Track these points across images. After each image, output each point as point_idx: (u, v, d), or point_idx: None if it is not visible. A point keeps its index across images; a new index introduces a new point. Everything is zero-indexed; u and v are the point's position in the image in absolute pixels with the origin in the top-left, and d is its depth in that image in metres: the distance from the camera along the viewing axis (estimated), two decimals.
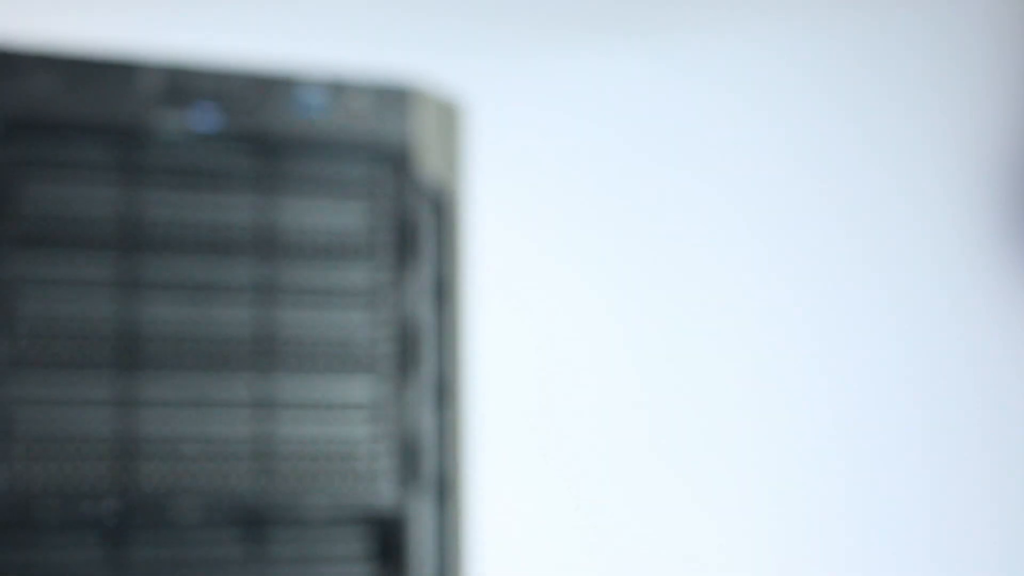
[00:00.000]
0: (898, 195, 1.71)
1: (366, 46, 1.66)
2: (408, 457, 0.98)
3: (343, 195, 0.99)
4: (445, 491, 0.99)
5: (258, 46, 1.58)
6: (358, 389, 0.98)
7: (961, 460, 1.70)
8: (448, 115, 1.04)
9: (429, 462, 0.98)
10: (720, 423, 1.64)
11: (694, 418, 1.64)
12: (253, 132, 0.96)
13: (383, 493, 0.97)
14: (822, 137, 1.70)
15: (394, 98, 1.01)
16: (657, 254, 1.64)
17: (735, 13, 1.73)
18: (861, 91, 1.71)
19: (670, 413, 1.63)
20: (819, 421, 1.67)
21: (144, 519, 0.92)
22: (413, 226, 1.00)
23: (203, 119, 0.95)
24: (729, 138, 1.68)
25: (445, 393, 1.00)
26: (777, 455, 1.65)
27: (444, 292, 1.01)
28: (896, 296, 1.72)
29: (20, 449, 0.89)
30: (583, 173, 1.63)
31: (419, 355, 0.99)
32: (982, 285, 1.73)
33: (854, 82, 1.71)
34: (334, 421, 0.97)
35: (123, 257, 0.93)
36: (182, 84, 0.95)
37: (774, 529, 1.63)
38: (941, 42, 1.76)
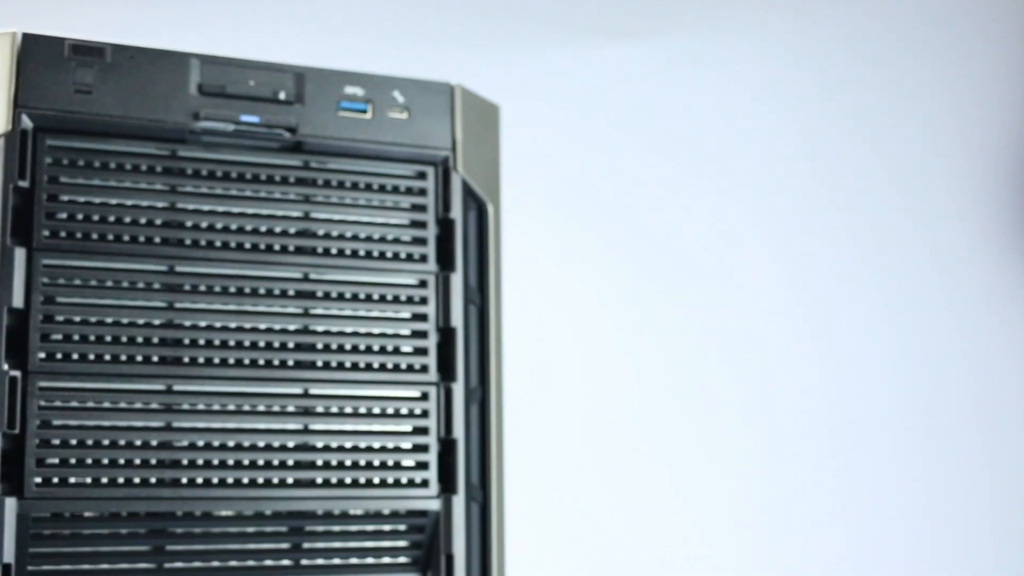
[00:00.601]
0: (900, 194, 1.71)
1: (364, 45, 1.66)
2: (448, 461, 0.98)
3: (386, 197, 0.99)
4: (481, 494, 0.99)
5: (269, 42, 1.57)
6: (400, 393, 0.98)
7: (961, 459, 1.71)
8: (487, 116, 1.05)
9: (467, 466, 0.99)
10: (732, 423, 1.65)
11: (713, 413, 1.65)
12: (296, 132, 0.96)
13: (424, 496, 0.97)
14: (826, 135, 1.70)
15: (437, 99, 1.01)
16: (661, 252, 1.65)
17: (743, 12, 1.73)
18: (865, 90, 1.71)
19: (688, 409, 1.64)
20: (820, 419, 1.67)
21: (188, 520, 0.91)
22: (455, 230, 1.00)
23: (247, 119, 0.95)
24: (733, 136, 1.68)
25: (482, 397, 1.00)
26: (777, 454, 1.66)
27: (482, 297, 1.02)
28: (896, 295, 1.72)
29: (64, 447, 0.88)
30: (586, 171, 1.64)
31: (458, 360, 0.99)
32: (983, 284, 1.73)
33: (858, 81, 1.71)
34: (376, 425, 0.97)
35: (166, 258, 0.92)
36: (226, 83, 0.95)
37: (782, 528, 1.64)
38: (945, 41, 1.76)
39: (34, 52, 0.90)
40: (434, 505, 0.97)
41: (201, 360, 0.92)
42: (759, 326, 1.68)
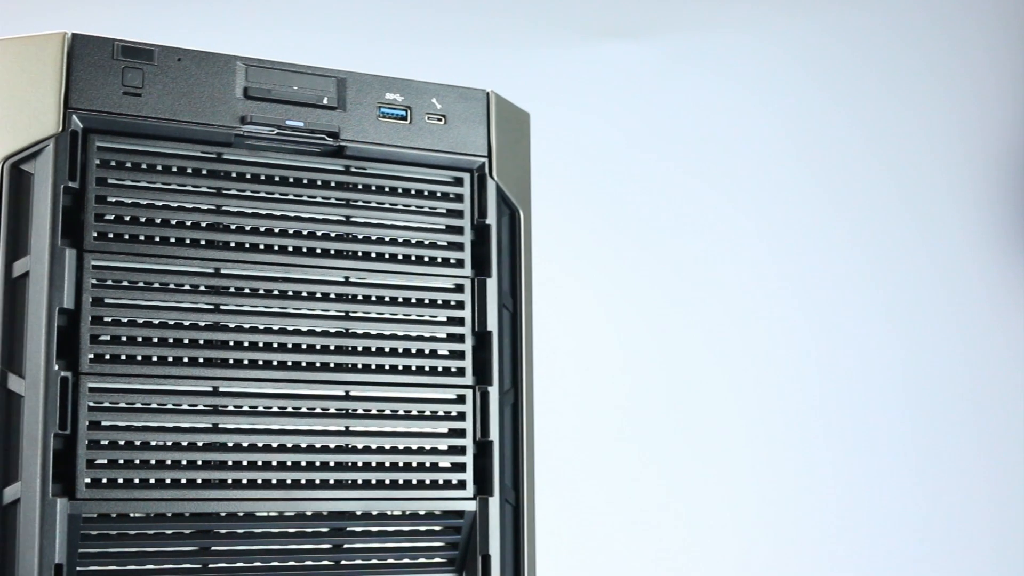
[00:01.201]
0: (901, 193, 1.73)
1: (364, 45, 1.66)
2: (483, 463, 1.00)
3: (423, 202, 1.01)
4: (514, 495, 1.01)
5: (269, 42, 1.57)
6: (436, 396, 0.99)
7: (961, 460, 1.74)
8: (520, 124, 1.06)
9: (502, 467, 1.00)
10: (728, 424, 1.68)
11: (713, 411, 1.67)
12: (338, 137, 0.97)
13: (460, 498, 0.98)
14: (826, 134, 1.72)
15: (473, 106, 1.03)
16: (659, 251, 1.67)
17: (743, 11, 1.74)
18: (865, 89, 1.73)
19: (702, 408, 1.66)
20: (819, 420, 1.70)
21: (232, 520, 0.92)
22: (491, 235, 1.02)
23: (292, 123, 0.96)
24: (733, 136, 1.69)
25: (514, 400, 1.02)
26: (776, 453, 1.69)
27: (514, 301, 1.03)
28: (896, 294, 1.74)
29: (113, 448, 0.88)
30: (585, 170, 1.66)
31: (494, 363, 1.01)
32: (984, 283, 1.75)
33: (858, 80, 1.73)
34: (413, 427, 0.98)
35: (212, 260, 0.93)
36: (271, 87, 0.96)
37: (781, 529, 1.68)
38: (945, 41, 1.78)
39: (84, 53, 0.90)
40: (470, 506, 0.99)
41: (246, 362, 0.93)
42: (759, 327, 1.70)
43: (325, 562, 0.96)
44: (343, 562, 0.96)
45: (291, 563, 0.95)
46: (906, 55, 1.77)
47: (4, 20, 1.57)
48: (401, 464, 0.97)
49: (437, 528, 0.99)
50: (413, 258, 1.00)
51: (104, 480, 0.88)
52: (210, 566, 0.92)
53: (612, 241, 1.67)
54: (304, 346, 0.95)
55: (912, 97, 1.76)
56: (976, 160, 1.78)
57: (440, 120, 1.02)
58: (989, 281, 1.77)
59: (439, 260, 1.01)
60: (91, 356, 0.88)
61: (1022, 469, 1.75)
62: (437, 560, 0.99)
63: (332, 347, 0.96)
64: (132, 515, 0.89)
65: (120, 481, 0.88)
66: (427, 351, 0.99)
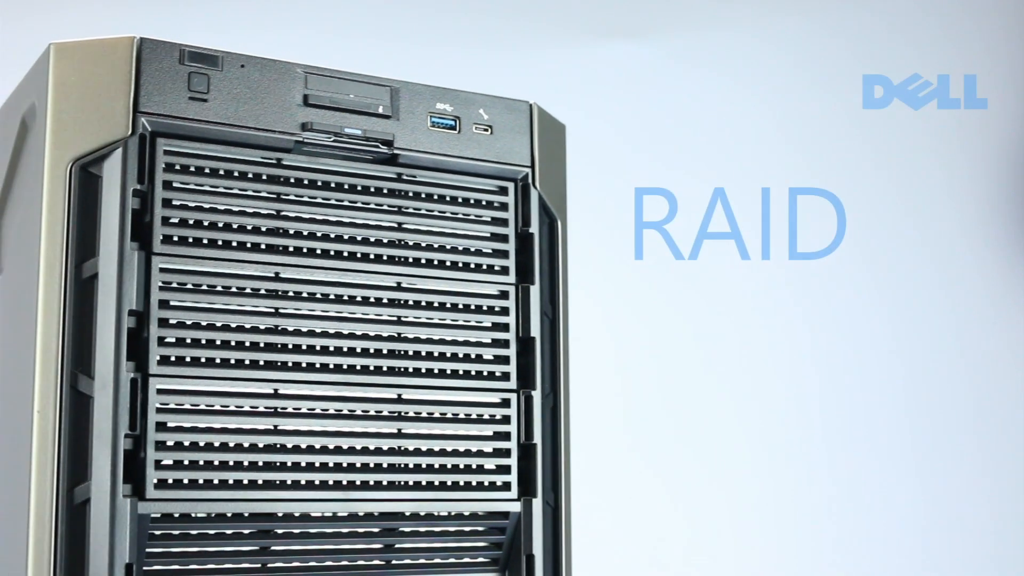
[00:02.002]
0: (900, 193, 1.76)
1: (365, 45, 1.67)
2: (526, 465, 1.02)
3: (470, 210, 1.03)
4: (553, 496, 1.03)
5: (268, 41, 1.58)
6: (483, 399, 1.02)
7: (961, 460, 1.76)
8: (558, 135, 1.09)
9: (543, 469, 1.03)
10: (726, 425, 1.71)
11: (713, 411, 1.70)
12: (392, 145, 0.99)
13: (506, 499, 1.01)
14: (827, 133, 1.74)
15: (517, 117, 1.05)
16: (659, 249, 1.69)
17: (743, 11, 1.76)
18: (866, 88, 1.75)
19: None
20: (819, 420, 1.73)
21: (290, 521, 0.93)
22: (534, 244, 1.05)
23: (350, 131, 0.98)
24: (732, 135, 1.71)
25: (553, 404, 1.05)
26: (776, 453, 1.73)
27: (553, 308, 1.06)
28: (896, 294, 1.77)
29: (178, 449, 0.89)
30: (585, 170, 1.68)
31: (537, 368, 1.04)
32: (984, 284, 1.77)
33: (858, 80, 1.74)
34: (461, 429, 1.00)
35: (272, 264, 0.95)
36: (330, 95, 0.97)
37: (783, 530, 1.71)
38: (945, 41, 1.80)
39: (152, 58, 0.91)
40: (515, 507, 1.01)
41: (303, 364, 0.95)
42: (758, 326, 1.73)
43: (376, 561, 0.98)
44: (393, 561, 0.98)
45: (344, 562, 0.96)
46: (906, 55, 1.79)
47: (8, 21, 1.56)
48: (449, 466, 1.00)
49: (481, 528, 1.01)
50: (460, 264, 1.02)
51: (170, 480, 0.89)
52: (268, 566, 0.94)
53: (612, 241, 1.69)
54: (358, 349, 0.97)
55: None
56: (976, 160, 1.79)
57: (487, 130, 1.04)
58: (989, 281, 1.79)
59: (484, 267, 1.03)
60: (158, 358, 0.89)
61: (1022, 469, 1.77)
62: (481, 560, 1.02)
63: (385, 351, 0.98)
64: (194, 515, 0.90)
65: (185, 481, 0.89)
66: (473, 355, 1.02)
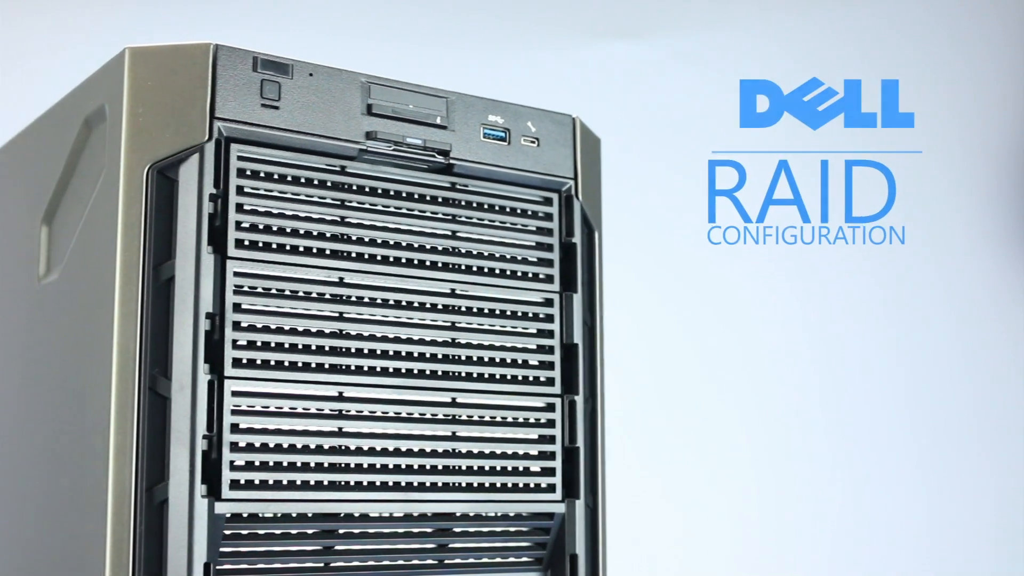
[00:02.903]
0: (900, 193, 1.76)
1: (364, 44, 1.68)
2: (569, 467, 1.06)
3: (516, 220, 1.06)
4: (592, 498, 1.07)
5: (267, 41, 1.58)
6: (529, 404, 1.05)
7: (961, 461, 1.78)
8: (595, 148, 1.13)
9: (584, 471, 1.06)
10: (725, 425, 1.74)
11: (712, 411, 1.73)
12: (448, 155, 1.02)
13: (551, 500, 1.04)
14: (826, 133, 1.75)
15: (561, 130, 1.09)
16: (657, 249, 1.71)
17: (743, 11, 1.77)
18: (866, 88, 1.75)
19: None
20: (819, 421, 1.75)
21: (348, 518, 0.95)
22: (576, 253, 1.08)
23: (412, 140, 1.00)
24: (732, 135, 1.73)
25: (592, 409, 1.08)
26: (776, 453, 1.76)
27: (592, 316, 1.10)
28: (896, 294, 1.78)
29: (248, 450, 0.91)
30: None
31: (580, 374, 1.07)
32: (984, 284, 1.78)
33: (859, 80, 1.75)
34: (509, 433, 1.03)
35: (336, 269, 0.96)
36: (392, 105, 1.00)
37: (782, 531, 1.75)
38: (945, 40, 1.81)
39: (227, 64, 0.92)
40: (560, 508, 1.05)
41: (365, 368, 0.97)
42: (757, 326, 1.75)
43: (429, 561, 1.00)
44: (445, 561, 1.01)
45: (400, 561, 0.99)
46: (906, 55, 1.79)
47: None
48: (499, 468, 1.03)
49: (525, 529, 1.05)
50: (507, 272, 1.05)
51: (242, 481, 0.90)
52: (331, 565, 0.96)
53: (611, 241, 1.72)
54: (415, 354, 1.00)
55: (912, 96, 1.78)
56: (976, 160, 1.80)
57: (534, 142, 1.07)
58: (989, 281, 1.80)
59: (530, 275, 1.06)
60: (232, 360, 0.91)
61: (1022, 470, 1.79)
62: (524, 559, 1.05)
63: (440, 355, 1.01)
64: (261, 515, 0.92)
65: (256, 482, 0.91)
66: (520, 361, 1.05)
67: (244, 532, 0.91)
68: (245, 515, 0.91)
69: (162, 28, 1.64)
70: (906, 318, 1.82)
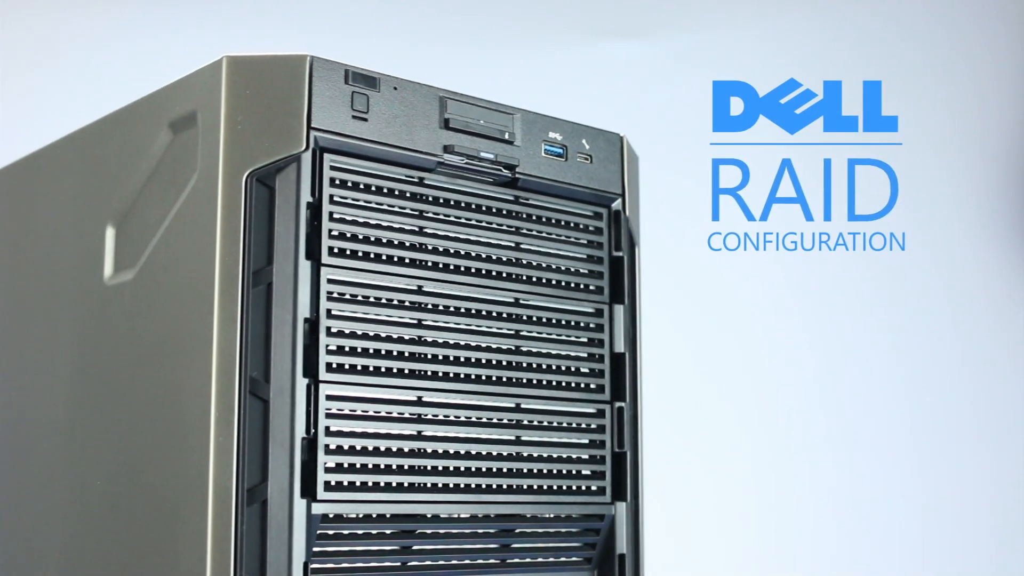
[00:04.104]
0: (901, 193, 1.76)
1: (365, 43, 1.68)
2: (617, 471, 1.11)
3: (570, 233, 1.10)
4: (634, 500, 1.12)
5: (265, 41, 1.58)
6: (581, 410, 1.09)
7: (961, 462, 1.79)
8: (636, 165, 1.18)
9: (630, 475, 1.11)
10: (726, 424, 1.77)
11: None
12: (515, 169, 1.06)
13: (601, 503, 1.09)
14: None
15: (611, 148, 1.14)
16: (658, 249, 1.71)
17: (744, 11, 1.78)
18: (866, 88, 1.75)
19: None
20: (818, 422, 1.76)
21: (420, 519, 0.99)
22: (623, 267, 1.13)
23: (485, 155, 1.04)
24: (731, 135, 1.73)
25: (633, 414, 1.13)
26: (777, 453, 1.79)
27: (633, 327, 1.15)
28: (896, 295, 1.79)
29: (338, 453, 0.93)
30: None
31: (627, 382, 1.12)
32: (984, 285, 1.78)
33: (859, 80, 1.75)
34: (565, 437, 1.08)
35: (415, 278, 1.00)
36: (468, 120, 1.03)
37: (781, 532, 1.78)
38: (945, 40, 1.81)
39: (322, 76, 0.95)
40: (610, 510, 1.09)
41: (439, 373, 1.00)
42: (755, 327, 1.77)
43: (492, 560, 1.04)
44: (507, 560, 1.05)
45: (466, 561, 1.02)
46: (906, 55, 1.80)
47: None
48: (555, 471, 1.07)
49: (576, 530, 1.09)
50: (563, 283, 1.10)
51: (333, 482, 0.93)
52: (408, 564, 0.99)
53: None
54: (483, 360, 1.03)
55: (912, 96, 1.79)
56: (976, 160, 1.80)
57: (587, 159, 1.12)
58: (989, 281, 1.80)
59: (583, 286, 1.11)
60: (326, 365, 0.93)
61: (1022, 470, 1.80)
62: (575, 559, 1.09)
63: (504, 362, 1.05)
64: (345, 515, 0.94)
65: (345, 483, 0.93)
66: (574, 369, 1.09)
67: (330, 532, 0.94)
68: (331, 515, 0.93)
69: (160, 27, 1.63)
70: (905, 319, 1.80)
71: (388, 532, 0.97)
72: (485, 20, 1.74)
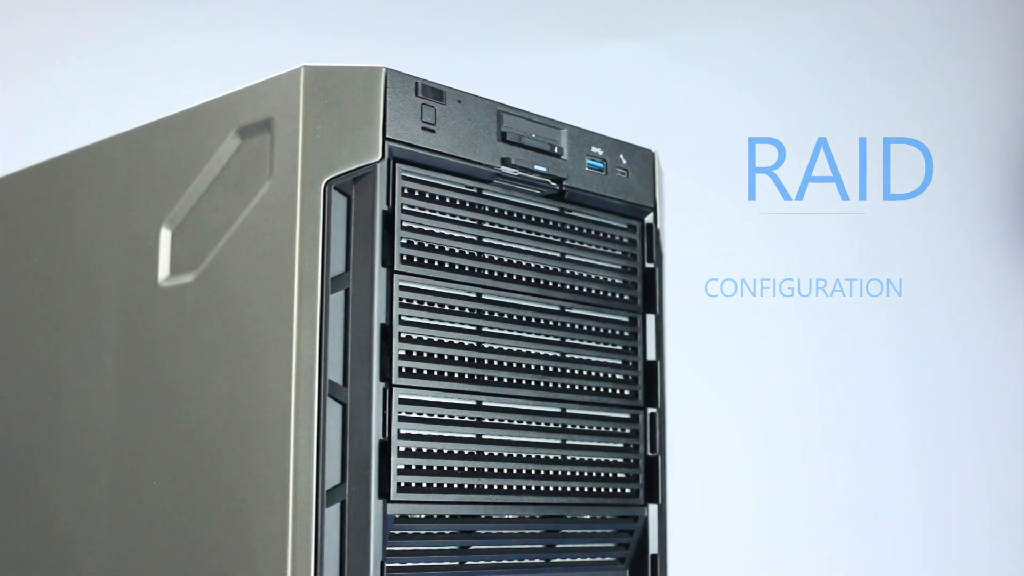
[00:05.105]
0: (901, 192, 1.77)
1: (364, 43, 1.70)
2: (650, 474, 1.15)
3: (606, 244, 1.14)
4: (663, 503, 1.17)
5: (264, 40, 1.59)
6: (620, 415, 1.13)
7: (962, 463, 1.80)
8: (662, 179, 1.22)
9: (661, 479, 1.16)
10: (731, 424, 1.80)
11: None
12: (563, 182, 1.09)
13: (636, 504, 1.13)
14: (827, 134, 1.76)
15: (645, 163, 1.18)
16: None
17: (743, 11, 1.79)
18: (866, 89, 1.77)
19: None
20: (818, 423, 1.78)
21: (473, 519, 1.02)
22: (655, 278, 1.18)
23: (539, 168, 1.07)
24: (732, 136, 1.75)
25: (662, 419, 1.18)
26: (776, 454, 1.82)
27: (660, 334, 1.19)
28: (896, 295, 1.80)
29: (407, 455, 0.96)
30: None
31: (659, 389, 1.16)
32: (984, 285, 1.79)
33: (859, 80, 1.77)
34: (604, 442, 1.12)
35: (474, 286, 1.03)
36: (522, 134, 1.06)
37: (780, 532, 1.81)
38: (945, 40, 1.82)
39: (395, 88, 0.97)
40: (644, 512, 1.14)
41: (496, 379, 1.03)
42: (754, 327, 1.79)
43: (537, 560, 1.07)
44: (552, 560, 1.08)
45: (515, 560, 1.06)
46: (907, 55, 1.81)
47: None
48: (594, 474, 1.11)
49: (610, 531, 1.13)
50: (600, 293, 1.14)
51: (403, 484, 0.95)
52: (465, 563, 1.02)
53: None
54: (533, 367, 1.07)
55: (912, 96, 1.81)
56: (976, 160, 1.81)
57: (624, 173, 1.16)
58: (989, 281, 1.81)
59: (619, 296, 1.15)
60: (396, 370, 0.96)
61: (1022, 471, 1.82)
62: (609, 559, 1.13)
63: (551, 369, 1.08)
64: (410, 516, 0.97)
65: (413, 485, 0.96)
66: (610, 376, 1.13)
67: (396, 532, 0.96)
68: (401, 516, 0.96)
69: (157, 25, 1.63)
70: (906, 322, 1.82)
71: (447, 532, 1.00)
72: (485, 20, 1.75)
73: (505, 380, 1.04)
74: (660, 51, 1.79)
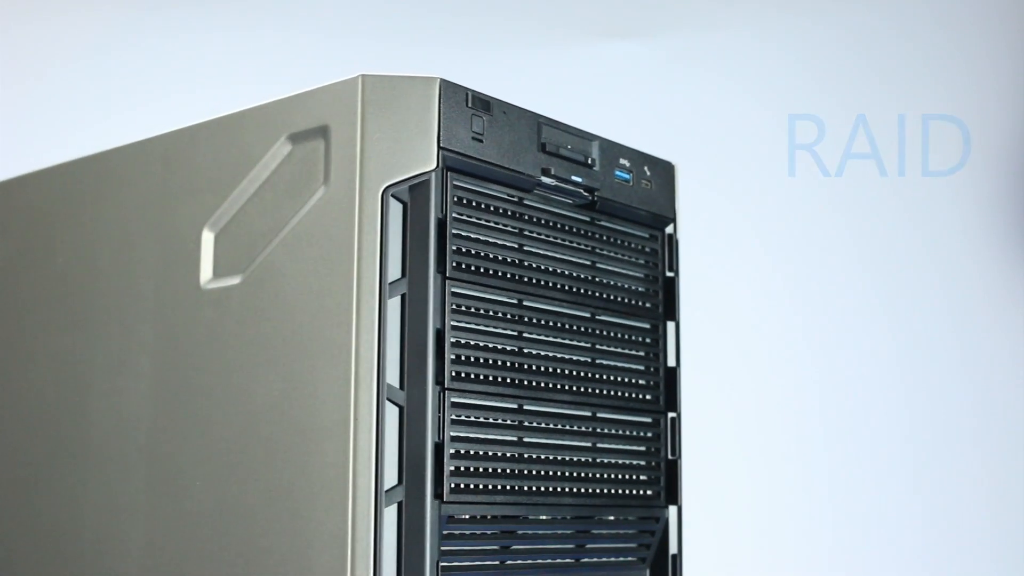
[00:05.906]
0: (900, 193, 1.79)
1: (364, 43, 1.70)
2: (671, 476, 1.19)
3: (629, 253, 1.18)
4: (680, 503, 1.20)
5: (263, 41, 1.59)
6: (642, 419, 1.17)
7: (961, 463, 1.81)
8: (678, 190, 1.26)
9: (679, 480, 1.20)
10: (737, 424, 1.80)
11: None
12: (595, 193, 1.12)
13: (657, 506, 1.17)
14: (826, 134, 1.77)
15: (666, 175, 1.22)
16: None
17: (743, 11, 1.79)
18: (866, 89, 1.77)
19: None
20: (818, 423, 1.79)
21: (508, 519, 1.04)
22: (676, 286, 1.21)
23: (575, 179, 1.10)
24: (732, 136, 1.76)
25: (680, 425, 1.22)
26: (775, 453, 1.82)
27: (678, 341, 1.23)
28: (896, 295, 1.82)
29: (457, 457, 0.98)
30: None
31: (679, 394, 1.20)
32: (984, 285, 1.79)
33: (859, 80, 1.77)
34: (629, 444, 1.15)
35: (515, 292, 1.05)
36: (560, 145, 1.09)
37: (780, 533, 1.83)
38: (945, 40, 1.82)
39: (448, 98, 1.00)
40: (664, 513, 1.17)
41: (535, 383, 1.06)
42: (753, 328, 1.80)
43: (568, 560, 1.10)
44: (580, 560, 1.11)
45: (548, 560, 1.08)
46: (907, 55, 1.82)
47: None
48: (620, 477, 1.14)
49: (632, 532, 1.16)
50: (627, 301, 1.17)
51: (454, 485, 0.98)
52: (506, 563, 1.04)
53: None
54: (567, 372, 1.10)
55: (912, 95, 1.81)
56: (976, 160, 1.81)
57: (649, 184, 1.20)
58: (989, 282, 1.82)
59: (641, 304, 1.18)
60: (450, 374, 0.98)
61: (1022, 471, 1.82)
62: (631, 559, 1.17)
63: (583, 374, 1.11)
64: (456, 516, 0.99)
65: (462, 486, 0.98)
66: (633, 381, 1.17)
67: (446, 532, 0.98)
68: (448, 517, 0.98)
69: (153, 27, 1.62)
70: (903, 319, 1.81)
71: (489, 533, 1.03)
72: (485, 20, 1.75)
73: (543, 385, 1.07)
74: (659, 51, 1.79)
